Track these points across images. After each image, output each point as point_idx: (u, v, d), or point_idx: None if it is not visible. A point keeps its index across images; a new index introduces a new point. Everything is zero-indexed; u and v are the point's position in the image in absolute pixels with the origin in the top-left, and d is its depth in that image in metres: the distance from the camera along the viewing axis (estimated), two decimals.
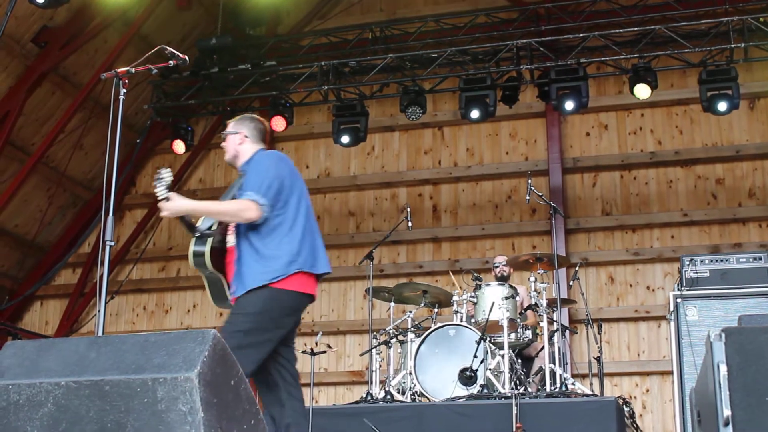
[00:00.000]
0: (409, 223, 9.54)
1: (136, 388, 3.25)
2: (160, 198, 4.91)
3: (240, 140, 5.29)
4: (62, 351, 3.53)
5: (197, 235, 5.11)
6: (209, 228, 5.15)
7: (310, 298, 5.13)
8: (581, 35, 10.91)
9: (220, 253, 5.14)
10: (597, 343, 9.09)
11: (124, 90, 4.97)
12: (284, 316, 5.00)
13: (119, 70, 4.96)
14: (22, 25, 10.88)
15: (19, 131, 11.65)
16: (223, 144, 5.36)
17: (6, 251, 12.88)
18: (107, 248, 4.68)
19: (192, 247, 5.11)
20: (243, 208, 4.94)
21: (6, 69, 11.06)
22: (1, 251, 12.79)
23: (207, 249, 5.08)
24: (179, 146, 11.95)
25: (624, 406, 7.92)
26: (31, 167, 11.66)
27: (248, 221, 4.97)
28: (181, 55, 5.18)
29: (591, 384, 9.00)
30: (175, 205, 4.96)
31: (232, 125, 5.34)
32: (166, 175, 4.94)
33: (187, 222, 5.12)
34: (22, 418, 3.39)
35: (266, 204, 4.95)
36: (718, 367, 2.88)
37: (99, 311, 4.52)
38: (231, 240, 5.14)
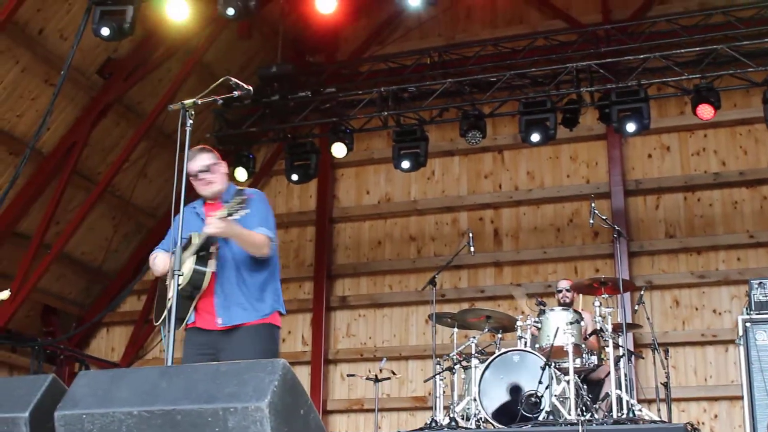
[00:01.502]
0: (471, 248, 9.47)
1: (208, 417, 3.28)
2: (227, 216, 4.78)
3: (225, 169, 5.30)
4: (134, 380, 3.58)
5: (201, 254, 5.05)
6: (202, 249, 5.07)
7: None
8: (642, 56, 10.82)
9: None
10: (664, 368, 8.93)
11: (191, 121, 5.00)
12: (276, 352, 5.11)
13: (185, 102, 5.00)
14: (87, 58, 11.12)
15: (85, 161, 11.89)
16: (206, 176, 5.20)
17: (73, 278, 13.11)
18: (176, 277, 4.70)
19: (192, 264, 5.00)
20: (265, 243, 5.01)
21: (72, 101, 11.30)
22: (68, 278, 13.03)
23: (209, 270, 5.06)
24: (241, 174, 12.05)
25: None
26: (97, 196, 11.89)
27: (262, 256, 5.04)
28: (245, 85, 5.20)
29: (658, 410, 8.85)
30: (229, 226, 4.85)
31: (211, 156, 5.22)
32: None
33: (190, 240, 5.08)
34: None
35: (275, 243, 5.09)
36: None
37: (168, 339, 4.54)
38: (212, 265, 5.09)
